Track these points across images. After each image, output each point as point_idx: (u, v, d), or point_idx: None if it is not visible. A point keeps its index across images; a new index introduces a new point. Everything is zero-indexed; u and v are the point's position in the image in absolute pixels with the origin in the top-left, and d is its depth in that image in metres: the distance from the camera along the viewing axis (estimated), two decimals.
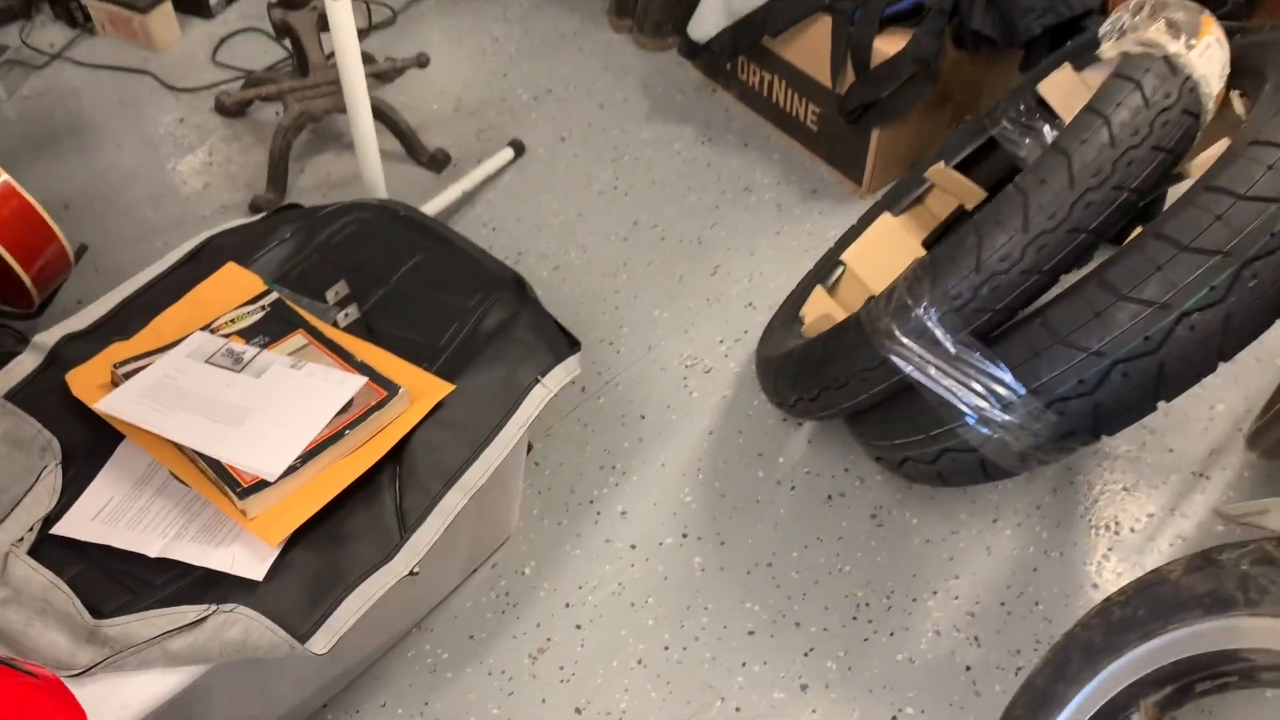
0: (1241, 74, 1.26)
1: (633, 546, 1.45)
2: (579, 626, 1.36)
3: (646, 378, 1.65)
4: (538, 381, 1.20)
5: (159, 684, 0.96)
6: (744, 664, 1.33)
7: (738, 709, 1.29)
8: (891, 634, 1.36)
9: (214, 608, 0.97)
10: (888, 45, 1.75)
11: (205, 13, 2.30)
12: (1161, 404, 1.08)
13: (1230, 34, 1.29)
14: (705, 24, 1.96)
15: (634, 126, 2.09)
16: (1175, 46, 1.15)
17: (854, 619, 1.37)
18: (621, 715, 1.28)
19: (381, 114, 1.92)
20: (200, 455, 1.05)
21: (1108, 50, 1.23)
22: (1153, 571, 1.00)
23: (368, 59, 2.00)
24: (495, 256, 1.36)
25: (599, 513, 1.48)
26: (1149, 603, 0.98)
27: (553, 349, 1.24)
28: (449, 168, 1.98)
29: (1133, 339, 1.03)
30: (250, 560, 1.02)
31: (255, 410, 1.10)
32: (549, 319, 1.29)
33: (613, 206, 1.92)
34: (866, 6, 1.75)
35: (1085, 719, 1.03)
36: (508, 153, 1.98)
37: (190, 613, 0.97)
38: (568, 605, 1.38)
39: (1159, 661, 0.97)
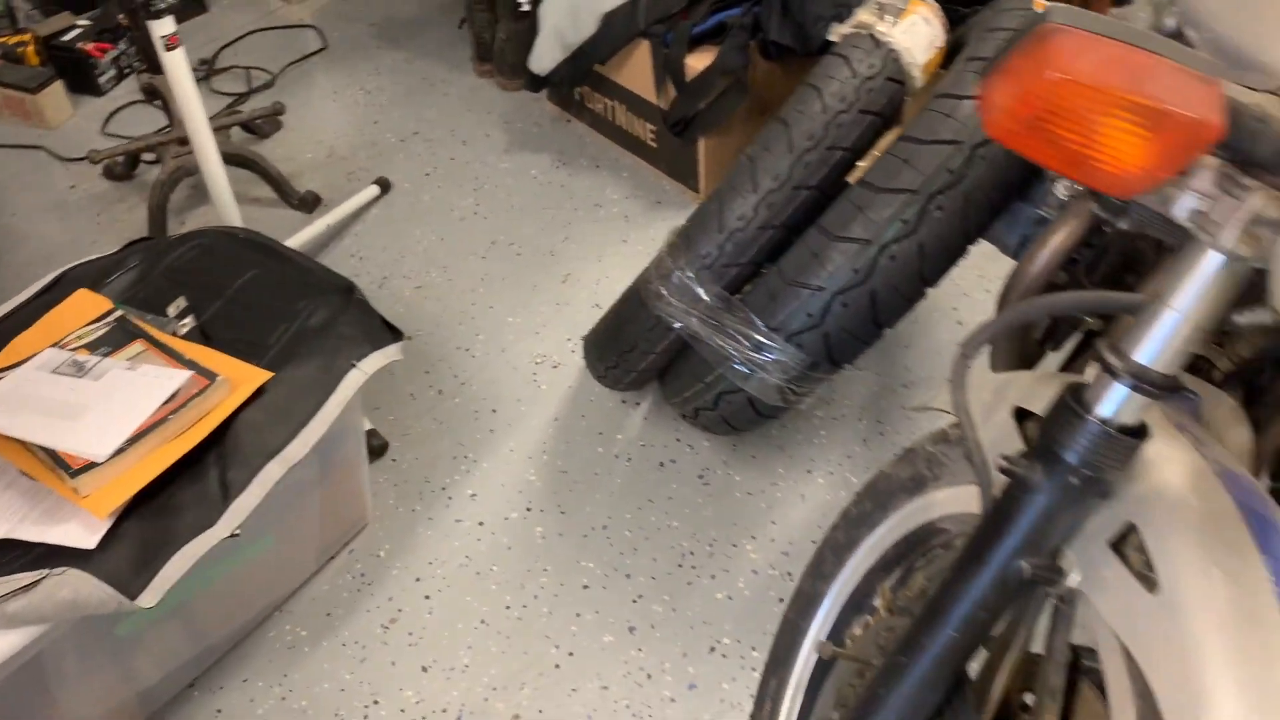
0: (961, 48, 1.43)
1: (480, 523, 1.58)
2: (428, 597, 1.49)
3: (499, 377, 1.79)
4: (353, 366, 1.34)
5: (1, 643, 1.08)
6: (578, 615, 1.45)
7: (570, 654, 1.41)
8: (713, 576, 1.49)
9: (47, 571, 1.10)
10: (699, 62, 1.93)
11: (95, 90, 2.47)
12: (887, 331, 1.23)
13: (962, 15, 1.47)
14: (544, 58, 2.14)
15: (494, 158, 2.26)
16: (881, 25, 1.32)
17: (679, 567, 1.50)
18: (465, 668, 1.40)
19: (251, 163, 2.08)
20: (40, 447, 1.18)
21: (834, 35, 1.41)
22: (878, 471, 1.14)
23: (236, 115, 2.17)
24: (327, 267, 1.51)
25: (450, 497, 1.61)
26: (873, 496, 1.12)
27: (372, 340, 1.38)
28: (320, 208, 2.14)
29: (845, 273, 1.19)
30: (83, 533, 1.14)
31: (91, 406, 1.23)
32: (373, 316, 1.44)
33: (473, 230, 2.08)
34: (676, 29, 1.94)
35: (838, 610, 1.16)
36: (373, 190, 2.14)
37: (25, 578, 1.09)
38: (418, 580, 1.51)
39: (883, 547, 1.11)
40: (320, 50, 2.65)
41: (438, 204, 2.15)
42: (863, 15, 1.34)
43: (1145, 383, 0.69)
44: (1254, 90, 0.63)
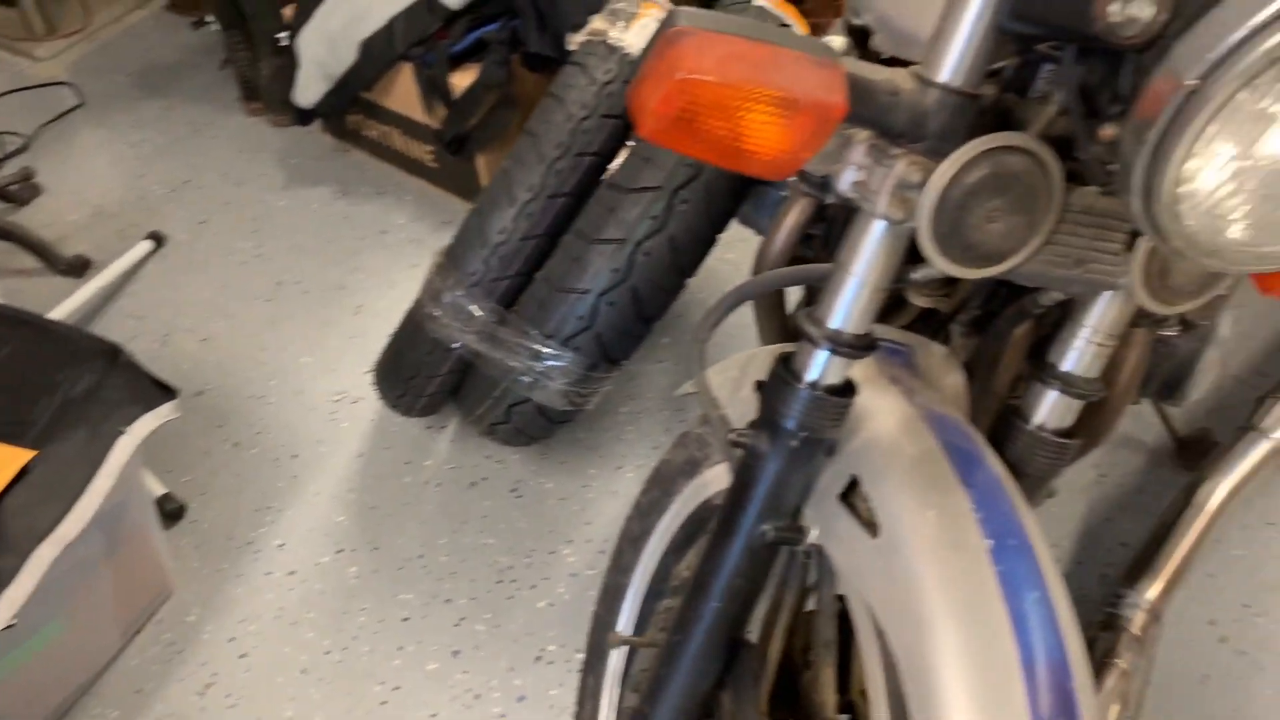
0: None
1: (291, 573, 1.54)
2: (243, 655, 1.45)
3: (297, 420, 1.76)
4: (122, 432, 1.29)
5: None
6: (400, 648, 1.44)
7: (396, 688, 1.40)
8: (533, 587, 1.50)
9: None
10: (464, 80, 1.94)
11: None
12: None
13: None
14: (308, 91, 2.10)
15: (272, 197, 2.21)
16: (614, 31, 1.36)
17: (499, 583, 1.51)
18: None
19: (7, 233, 1.97)
20: None
21: (571, 44, 1.44)
22: (660, 461, 1.18)
23: None
24: (89, 332, 1.44)
25: (258, 551, 1.57)
26: (657, 483, 1.16)
27: (143, 401, 1.34)
28: (90, 271, 2.04)
29: (606, 274, 1.22)
30: None
31: None
32: (142, 377, 1.39)
33: (256, 273, 2.03)
34: (435, 49, 1.94)
35: (641, 599, 1.19)
36: (146, 245, 2.06)
37: None
38: (232, 639, 1.47)
39: (672, 531, 1.14)
40: (77, 107, 2.53)
41: (216, 251, 2.08)
42: (596, 23, 1.38)
43: (841, 345, 0.74)
44: (884, 68, 0.68)
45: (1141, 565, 1.38)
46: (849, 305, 0.74)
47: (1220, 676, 1.39)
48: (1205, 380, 1.28)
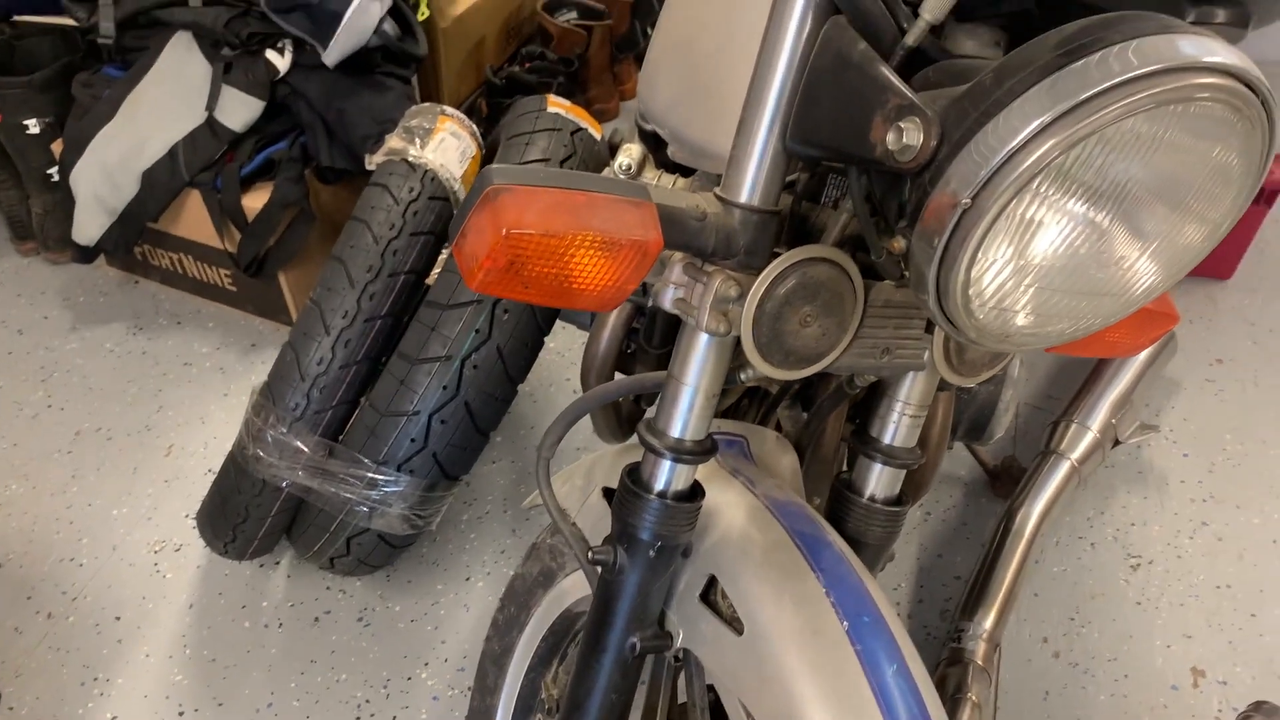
0: (497, 148, 1.52)
1: None
2: None
3: (116, 579, 1.64)
4: None
5: None
6: None
7: None
8: (394, 717, 1.45)
9: None
10: (257, 200, 1.90)
11: None
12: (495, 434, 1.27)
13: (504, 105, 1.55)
14: (88, 227, 2.00)
15: (59, 341, 2.08)
16: (412, 149, 1.37)
17: (358, 719, 1.45)
18: None
19: None
20: None
21: (370, 164, 1.44)
22: (513, 573, 1.17)
23: None
24: None
25: None
26: (513, 599, 1.15)
27: None
28: None
29: (435, 392, 1.22)
30: None
31: None
32: None
33: (50, 426, 1.90)
34: (224, 173, 1.89)
35: (511, 718, 1.17)
36: None
37: None
38: None
39: (534, 644, 1.14)
40: None
41: (3, 409, 1.94)
42: (393, 142, 1.39)
43: (684, 453, 0.77)
44: (689, 194, 0.72)
45: (975, 597, 1.47)
46: (686, 414, 0.77)
47: (1059, 691, 1.48)
48: (1005, 419, 1.39)
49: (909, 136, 0.59)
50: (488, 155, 1.54)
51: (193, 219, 1.96)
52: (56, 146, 2.06)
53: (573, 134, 1.39)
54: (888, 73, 0.62)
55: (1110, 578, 1.63)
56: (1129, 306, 0.65)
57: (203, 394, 1.95)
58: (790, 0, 0.68)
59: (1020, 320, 0.63)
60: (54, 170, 2.09)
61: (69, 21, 2.11)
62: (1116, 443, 1.67)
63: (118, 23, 1.97)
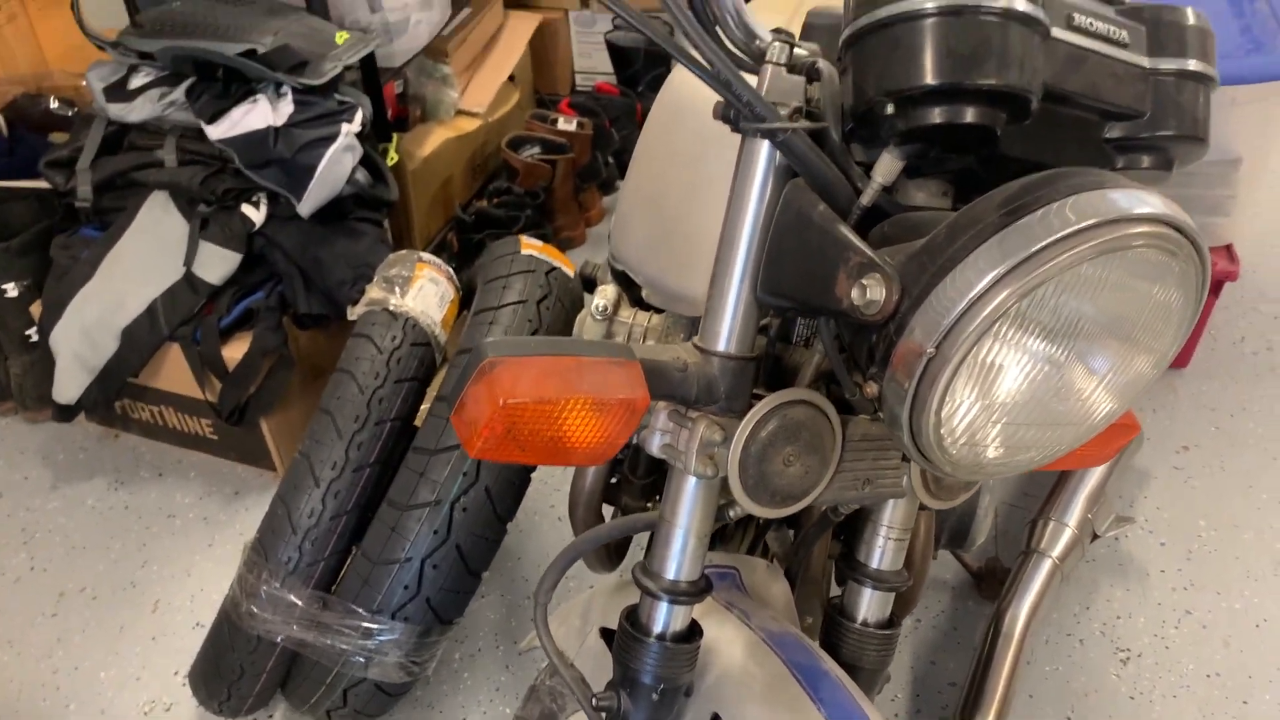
0: (474, 288, 1.57)
1: None
2: None
3: None
4: None
5: None
6: None
7: None
8: None
9: None
10: (236, 351, 1.93)
11: None
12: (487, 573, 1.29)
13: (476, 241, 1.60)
14: (69, 387, 2.01)
15: (40, 500, 2.07)
16: (392, 298, 1.41)
17: None
18: None
19: None
20: None
21: (352, 315, 1.48)
22: (514, 718, 1.17)
23: None
24: None
25: None
26: None
27: None
28: None
29: (426, 538, 1.23)
30: None
31: None
32: None
33: (34, 589, 1.88)
34: (203, 325, 1.92)
35: None
36: None
37: None
38: None
39: None
40: None
41: None
42: (374, 292, 1.43)
43: (680, 594, 0.79)
44: (670, 346, 0.76)
45: (972, 703, 1.47)
46: (679, 555, 0.79)
47: None
48: (985, 524, 1.42)
49: (872, 292, 0.63)
50: (465, 295, 1.59)
51: (173, 372, 1.99)
52: (35, 308, 2.09)
53: (547, 274, 1.44)
54: (848, 232, 0.67)
55: (1102, 673, 1.64)
56: (1091, 432, 0.69)
57: (187, 546, 1.94)
58: (753, 165, 0.73)
59: (991, 453, 0.67)
60: (32, 331, 2.11)
61: (45, 185, 2.16)
62: (1094, 536, 1.71)
63: (95, 185, 2.02)
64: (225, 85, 1.94)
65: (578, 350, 0.68)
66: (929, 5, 0.61)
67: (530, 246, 1.49)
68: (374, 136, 2.19)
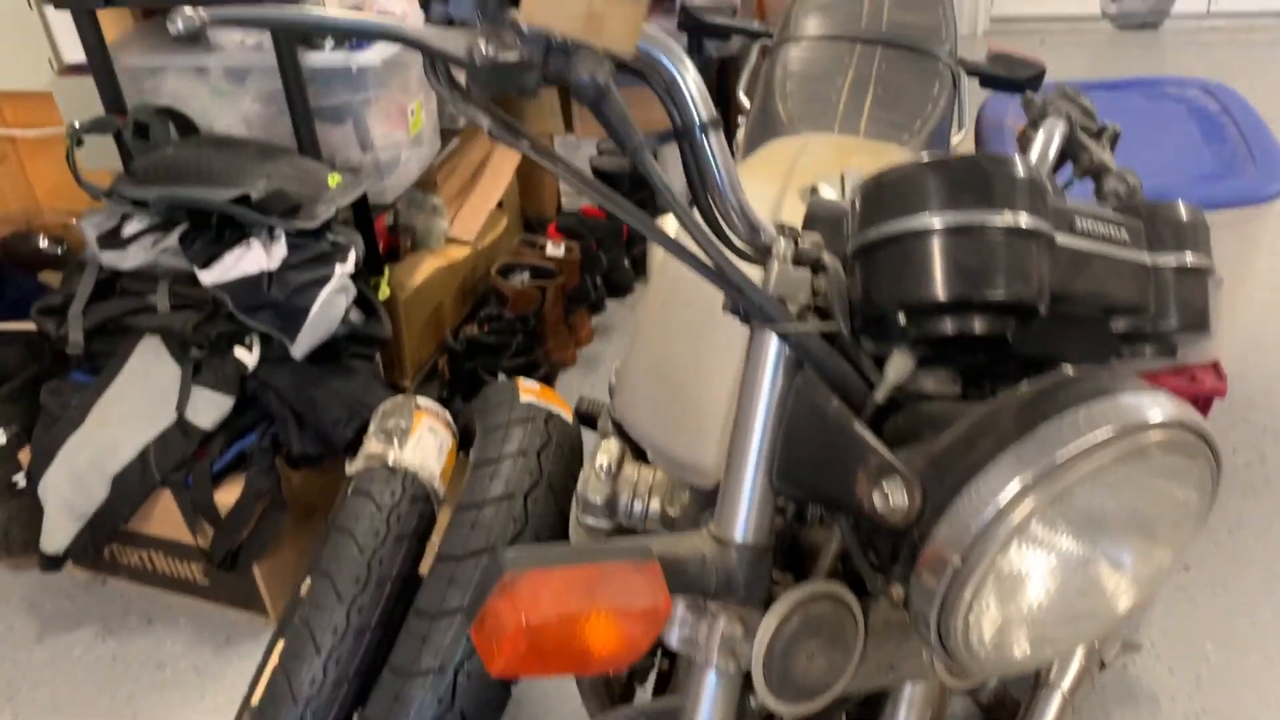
0: (470, 431, 1.56)
1: None
2: None
3: None
4: None
5: None
6: None
7: None
8: None
9: None
10: (229, 495, 1.91)
11: None
12: None
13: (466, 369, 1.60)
14: (58, 535, 1.98)
15: (25, 652, 2.02)
16: (391, 452, 1.41)
17: None
18: None
19: None
20: None
21: (350, 470, 1.47)
22: None
23: None
24: None
25: None
26: None
27: None
28: None
29: (431, 706, 1.20)
30: None
31: None
32: None
33: None
34: (196, 470, 1.91)
35: None
36: None
37: None
38: None
39: None
40: None
41: None
42: (372, 446, 1.42)
43: None
44: (687, 536, 0.76)
45: None
46: None
47: None
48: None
49: (894, 498, 0.63)
50: (461, 437, 1.59)
51: (163, 517, 1.96)
52: (23, 455, 2.07)
53: (546, 421, 1.44)
54: (865, 433, 0.67)
55: None
56: (1113, 624, 0.69)
57: (179, 699, 1.89)
58: (763, 357, 0.74)
59: (1018, 651, 0.67)
60: (19, 477, 2.09)
61: (32, 326, 2.16)
62: (1102, 665, 1.68)
63: (86, 331, 2.02)
64: (218, 230, 1.95)
65: (596, 556, 0.68)
66: (936, 222, 0.63)
67: (528, 391, 1.49)
68: (365, 272, 2.21)
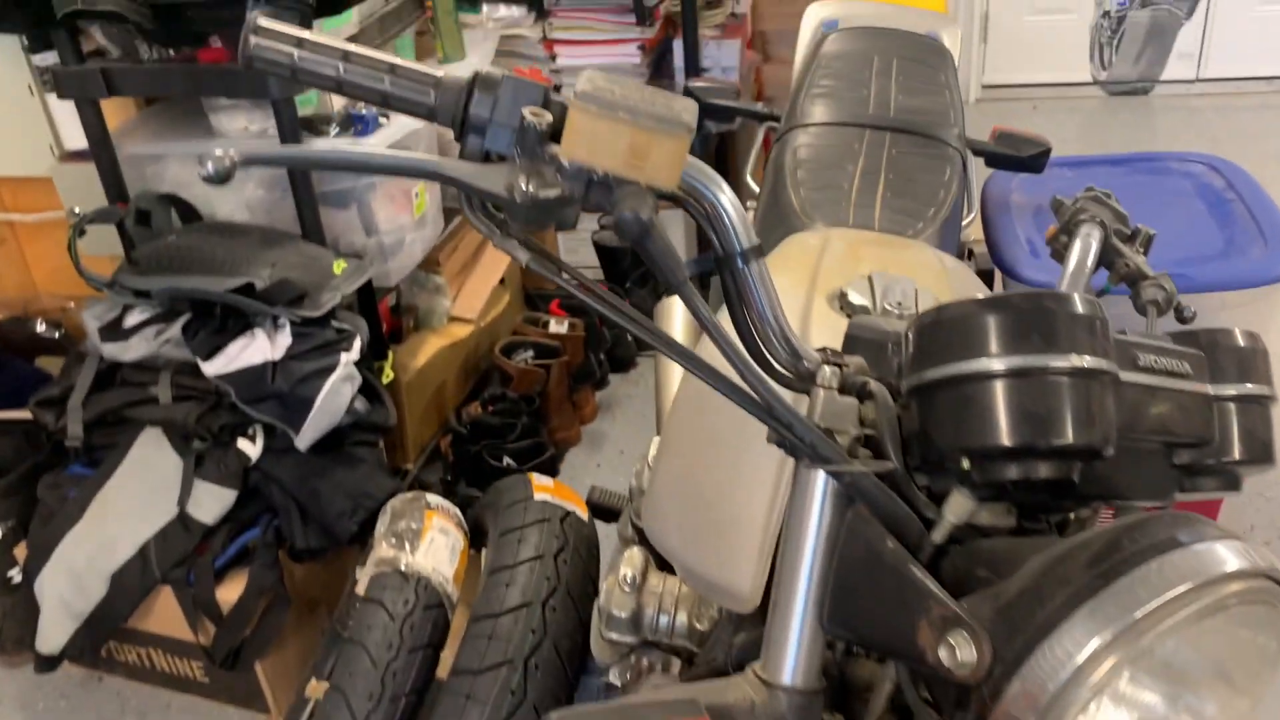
0: (481, 526, 1.52)
1: None
2: None
3: None
4: None
5: None
6: None
7: None
8: None
9: None
10: (231, 592, 1.86)
11: None
12: None
13: (467, 504, 1.57)
14: (54, 634, 1.92)
15: None
16: (403, 556, 1.37)
17: None
18: None
19: None
20: None
21: (360, 577, 1.43)
22: None
23: None
24: None
25: None
26: None
27: None
28: None
29: None
30: None
31: None
32: None
33: None
34: (197, 566, 1.86)
35: None
36: None
37: None
38: None
39: None
40: None
41: None
42: (382, 550, 1.38)
43: None
44: (733, 682, 0.72)
45: None
46: None
47: None
48: None
49: (962, 653, 0.60)
50: (473, 534, 1.54)
51: (164, 614, 1.91)
52: (19, 549, 2.02)
53: (562, 521, 1.40)
54: (926, 579, 0.64)
55: None
56: None
57: None
58: (810, 492, 0.71)
59: None
60: (15, 572, 2.04)
61: (28, 415, 2.12)
62: None
63: (86, 423, 1.98)
64: (222, 320, 1.93)
65: (643, 715, 0.64)
66: (998, 365, 0.60)
67: (542, 490, 1.46)
68: (369, 356, 2.19)
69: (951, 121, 1.75)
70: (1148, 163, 2.24)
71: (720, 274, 0.72)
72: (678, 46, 3.01)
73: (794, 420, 0.66)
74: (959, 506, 0.66)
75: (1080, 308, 0.60)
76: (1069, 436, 0.60)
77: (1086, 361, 0.60)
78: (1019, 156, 1.96)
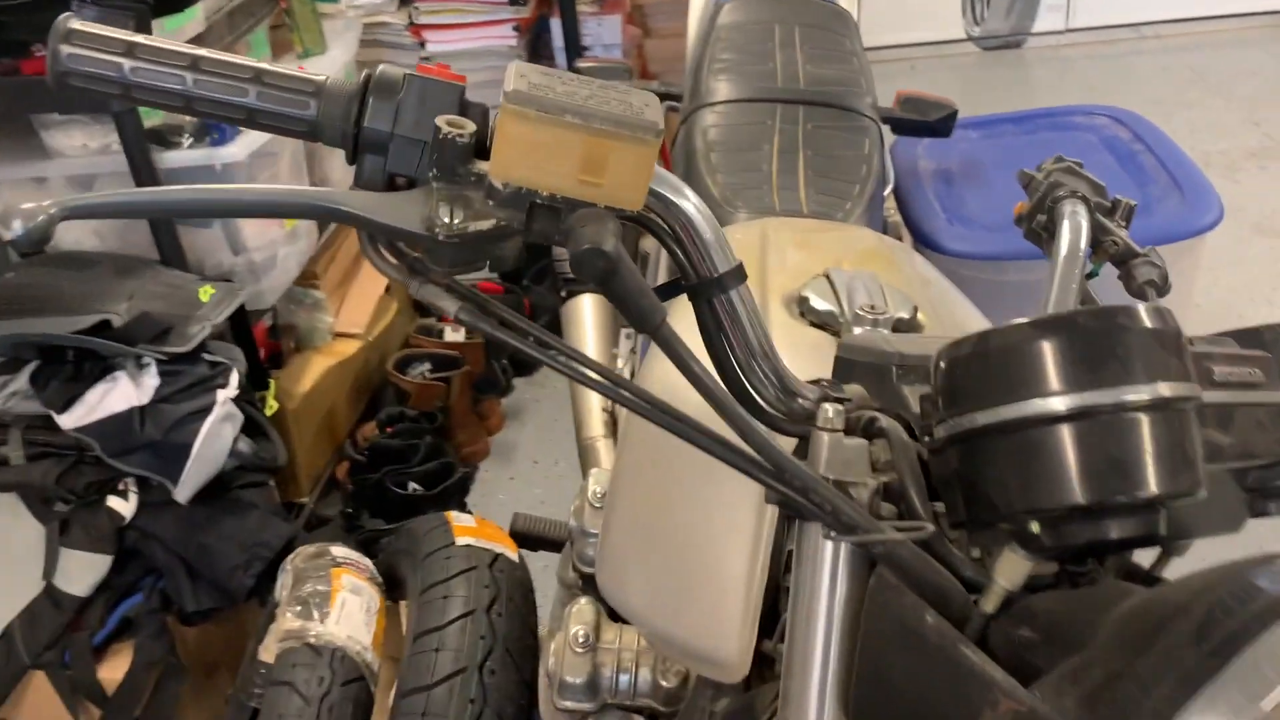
0: (394, 575, 1.36)
1: None
2: None
3: None
4: None
5: None
6: None
7: None
8: None
9: None
10: (116, 669, 1.65)
11: None
12: None
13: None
14: None
15: None
16: (311, 625, 1.20)
17: None
18: None
19: None
20: None
21: (264, 654, 1.25)
22: None
23: None
24: None
25: None
26: None
27: None
28: None
29: None
30: None
31: None
32: None
33: None
34: (73, 644, 1.65)
35: None
36: None
37: None
38: None
39: None
40: None
41: None
42: (287, 622, 1.21)
43: None
44: None
45: None
46: None
47: None
48: None
49: None
50: (386, 580, 1.38)
51: (39, 703, 1.68)
52: None
53: (490, 565, 1.26)
54: (985, 664, 0.52)
55: None
56: None
57: None
58: (820, 555, 0.59)
59: None
60: None
61: None
62: None
63: None
64: (76, 365, 1.70)
65: None
66: (1060, 405, 0.48)
67: (464, 532, 1.31)
68: (249, 388, 1.98)
69: (864, 90, 1.65)
70: (1049, 118, 2.19)
71: (695, 304, 0.59)
72: (555, 25, 2.85)
73: (810, 483, 0.54)
74: (1013, 568, 0.54)
75: (1152, 321, 0.49)
76: (1153, 485, 0.48)
77: (1163, 390, 0.49)
78: (927, 121, 1.89)
